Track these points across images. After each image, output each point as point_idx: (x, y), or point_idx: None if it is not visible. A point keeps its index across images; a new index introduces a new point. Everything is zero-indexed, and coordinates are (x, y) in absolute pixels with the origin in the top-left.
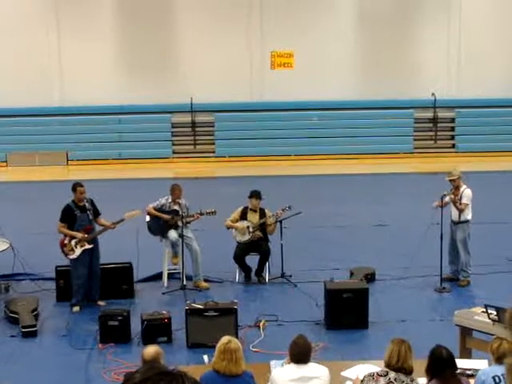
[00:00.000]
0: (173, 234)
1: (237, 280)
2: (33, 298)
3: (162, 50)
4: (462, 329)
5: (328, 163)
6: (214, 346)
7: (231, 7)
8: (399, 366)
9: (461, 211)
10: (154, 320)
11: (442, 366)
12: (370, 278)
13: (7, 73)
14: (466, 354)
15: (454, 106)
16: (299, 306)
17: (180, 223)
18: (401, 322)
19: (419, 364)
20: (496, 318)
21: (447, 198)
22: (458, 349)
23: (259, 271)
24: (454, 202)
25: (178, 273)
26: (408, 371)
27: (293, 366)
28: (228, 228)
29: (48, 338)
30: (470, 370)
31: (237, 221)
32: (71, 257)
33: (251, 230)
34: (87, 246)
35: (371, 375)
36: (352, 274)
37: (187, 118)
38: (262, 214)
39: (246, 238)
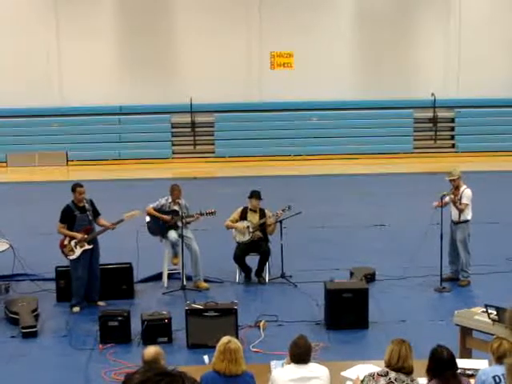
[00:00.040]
0: (173, 235)
1: (237, 280)
2: (33, 298)
3: (162, 50)
4: (462, 329)
5: (328, 163)
6: (214, 347)
7: (231, 7)
8: (399, 365)
9: (461, 211)
10: (154, 320)
11: (442, 366)
12: (370, 278)
13: (7, 73)
14: (466, 353)
15: (453, 105)
16: (299, 306)
17: (180, 223)
18: (401, 321)
19: (419, 364)
20: (496, 317)
21: (447, 198)
22: (458, 349)
23: (259, 271)
24: (454, 202)
25: (178, 273)
26: (408, 371)
27: (293, 366)
28: (228, 228)
29: (48, 338)
30: (470, 369)
31: (237, 221)
32: (71, 257)
33: (251, 230)
34: (87, 247)
35: (371, 375)
36: (352, 274)
37: (187, 119)
38: (262, 214)
39: (246, 238)
